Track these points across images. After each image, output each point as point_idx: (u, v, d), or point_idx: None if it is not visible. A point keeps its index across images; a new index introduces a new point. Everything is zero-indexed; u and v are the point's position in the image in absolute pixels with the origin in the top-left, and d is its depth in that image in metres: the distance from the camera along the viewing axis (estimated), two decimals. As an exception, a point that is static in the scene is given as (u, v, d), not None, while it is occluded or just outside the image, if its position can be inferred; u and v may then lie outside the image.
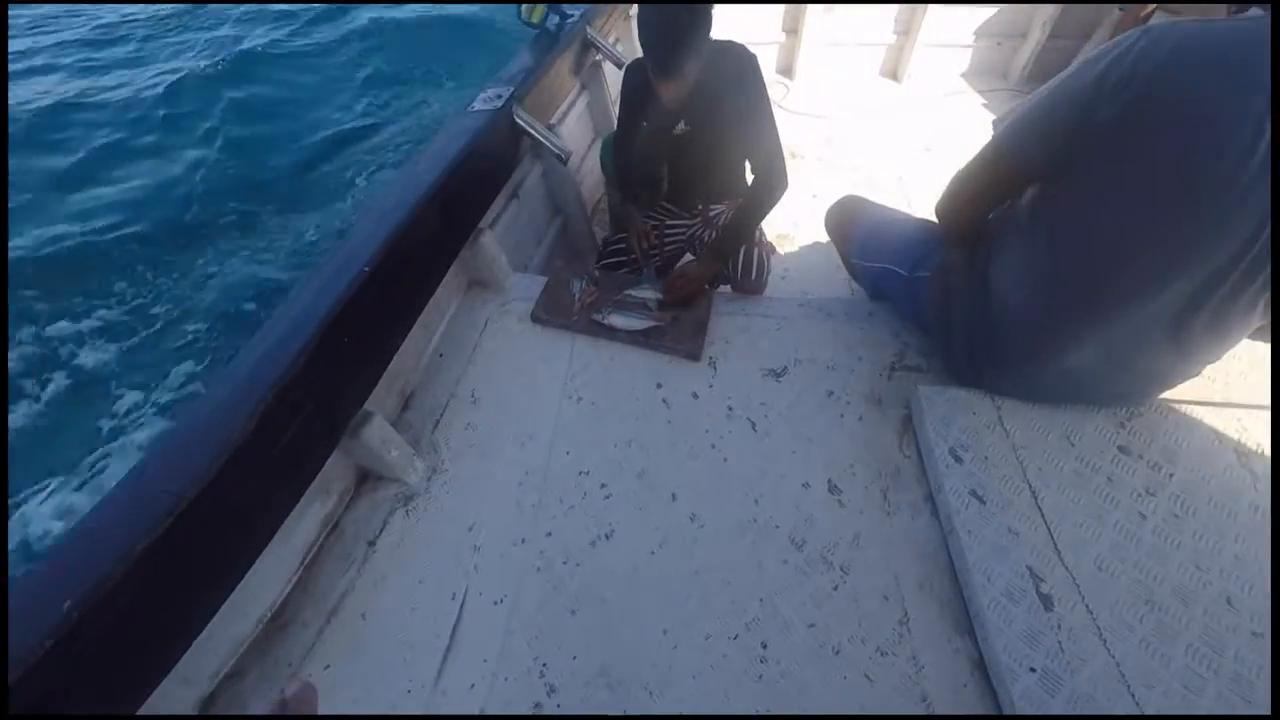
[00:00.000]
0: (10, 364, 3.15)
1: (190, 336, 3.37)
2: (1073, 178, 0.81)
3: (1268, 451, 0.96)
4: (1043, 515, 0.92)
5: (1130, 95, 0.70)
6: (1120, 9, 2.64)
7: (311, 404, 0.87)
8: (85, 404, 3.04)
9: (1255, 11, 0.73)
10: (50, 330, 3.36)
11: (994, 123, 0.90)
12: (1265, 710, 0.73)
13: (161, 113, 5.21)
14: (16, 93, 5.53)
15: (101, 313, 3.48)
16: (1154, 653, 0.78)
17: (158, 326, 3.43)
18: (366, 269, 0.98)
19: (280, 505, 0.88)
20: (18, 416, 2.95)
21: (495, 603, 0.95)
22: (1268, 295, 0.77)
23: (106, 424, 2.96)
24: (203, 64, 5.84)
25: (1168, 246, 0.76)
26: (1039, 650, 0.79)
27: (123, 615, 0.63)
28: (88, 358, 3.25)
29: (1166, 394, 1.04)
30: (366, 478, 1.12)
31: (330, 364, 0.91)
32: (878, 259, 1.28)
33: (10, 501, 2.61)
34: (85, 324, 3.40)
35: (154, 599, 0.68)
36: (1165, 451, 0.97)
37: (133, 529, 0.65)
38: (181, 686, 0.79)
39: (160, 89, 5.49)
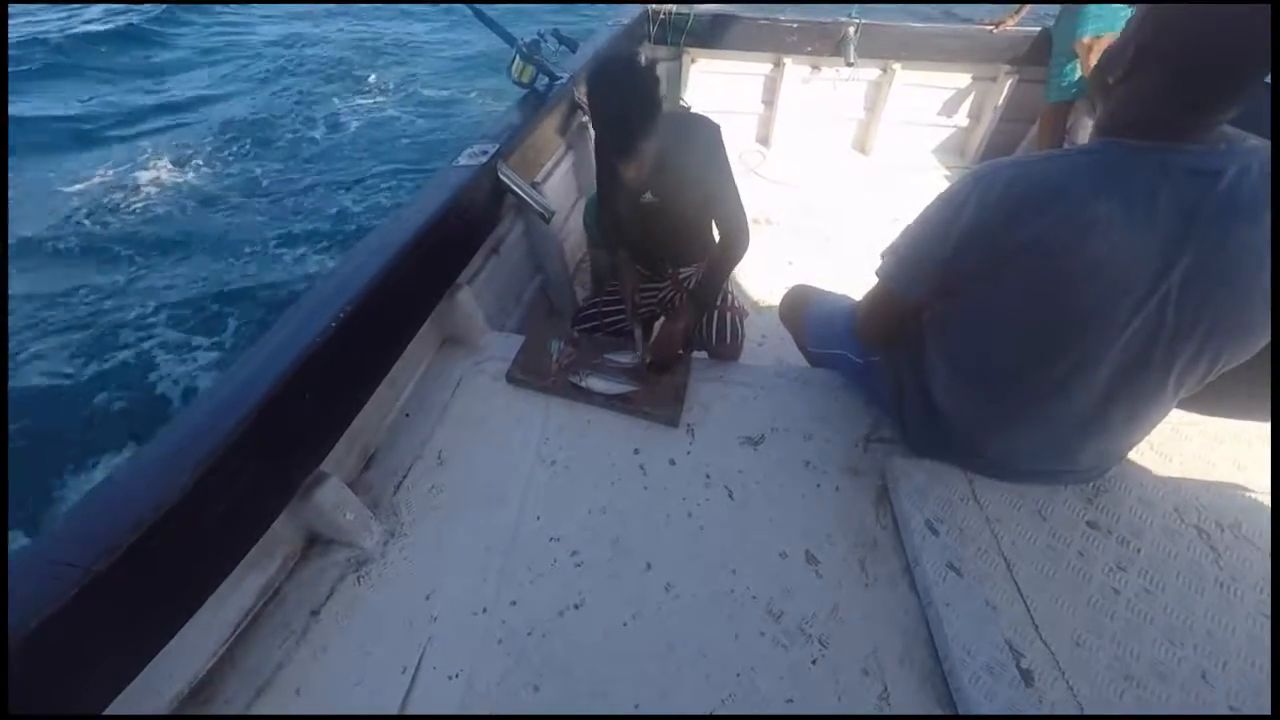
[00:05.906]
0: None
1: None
2: (957, 304, 0.96)
3: (1227, 527, 1.05)
4: (1019, 589, 0.97)
5: (979, 251, 0.85)
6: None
7: (260, 464, 0.88)
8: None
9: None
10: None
11: (881, 253, 1.04)
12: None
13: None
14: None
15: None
16: None
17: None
18: (333, 324, 1.01)
19: (213, 572, 0.87)
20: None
21: (450, 677, 0.94)
22: (1176, 377, 0.86)
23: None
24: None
25: (1064, 359, 0.87)
26: None
27: (18, 686, 0.62)
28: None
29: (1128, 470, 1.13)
30: (315, 540, 1.12)
31: (285, 422, 0.93)
32: (830, 345, 1.40)
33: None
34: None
35: (52, 673, 0.66)
36: (1132, 527, 1.06)
37: (38, 595, 0.65)
38: None
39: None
